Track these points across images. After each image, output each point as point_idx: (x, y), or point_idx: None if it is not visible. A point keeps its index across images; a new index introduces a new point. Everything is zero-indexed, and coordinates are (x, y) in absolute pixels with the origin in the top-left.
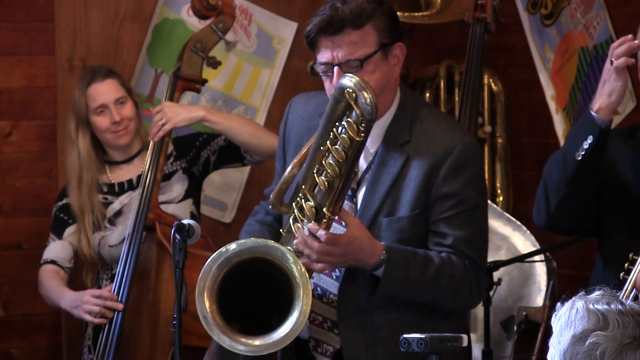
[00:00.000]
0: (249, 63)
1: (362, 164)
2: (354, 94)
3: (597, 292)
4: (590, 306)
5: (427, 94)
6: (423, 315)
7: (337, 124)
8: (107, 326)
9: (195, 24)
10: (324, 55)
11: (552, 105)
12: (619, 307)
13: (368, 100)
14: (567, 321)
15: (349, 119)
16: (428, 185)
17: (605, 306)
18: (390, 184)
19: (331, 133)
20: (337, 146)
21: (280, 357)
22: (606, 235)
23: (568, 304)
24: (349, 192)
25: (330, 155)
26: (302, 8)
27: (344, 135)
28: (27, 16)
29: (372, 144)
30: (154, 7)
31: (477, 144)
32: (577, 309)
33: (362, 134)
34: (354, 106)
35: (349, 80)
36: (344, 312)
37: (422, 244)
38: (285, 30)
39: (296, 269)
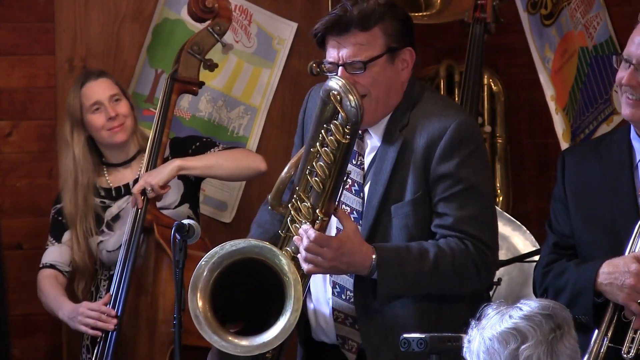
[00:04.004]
0: (249, 63)
1: (369, 158)
2: (339, 97)
3: (490, 313)
4: (499, 329)
5: None
6: (440, 302)
7: (325, 126)
8: None
9: (195, 24)
10: (330, 55)
11: (552, 105)
12: (520, 313)
13: (353, 102)
14: (489, 354)
15: (335, 122)
16: (426, 166)
17: (511, 321)
18: (391, 169)
19: (320, 135)
20: (325, 148)
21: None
22: (581, 249)
23: (477, 339)
24: (356, 187)
25: (320, 157)
26: (302, 8)
27: (331, 137)
28: (27, 16)
29: (379, 138)
30: (154, 7)
31: (474, 122)
32: (490, 339)
33: (347, 137)
34: (339, 109)
35: (335, 83)
36: (361, 306)
37: (429, 228)
38: (285, 31)
39: (288, 270)
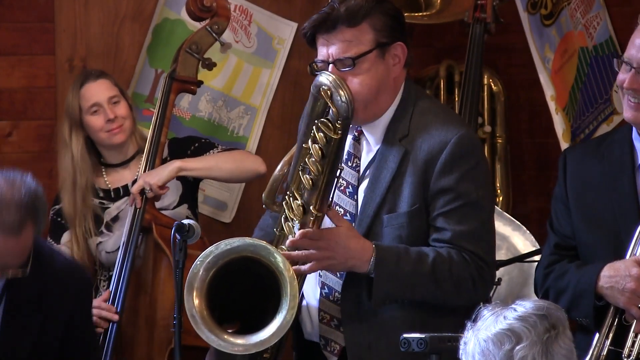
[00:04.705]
0: (249, 63)
1: (365, 161)
2: (329, 92)
3: (485, 315)
4: (494, 330)
5: None
6: (428, 314)
7: (316, 122)
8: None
9: (195, 24)
10: (320, 53)
11: (552, 105)
12: (515, 314)
13: (343, 97)
14: (483, 355)
15: (326, 117)
16: (426, 180)
17: (505, 322)
18: (390, 179)
19: (312, 131)
20: (317, 144)
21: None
22: (581, 249)
23: (472, 341)
24: (350, 189)
25: (312, 153)
26: (302, 8)
27: (322, 133)
28: (27, 16)
29: (376, 142)
30: (154, 7)
31: (475, 136)
32: (485, 340)
33: (339, 132)
34: (330, 104)
35: (325, 78)
36: (347, 310)
37: (422, 240)
38: (285, 31)
39: (284, 267)
